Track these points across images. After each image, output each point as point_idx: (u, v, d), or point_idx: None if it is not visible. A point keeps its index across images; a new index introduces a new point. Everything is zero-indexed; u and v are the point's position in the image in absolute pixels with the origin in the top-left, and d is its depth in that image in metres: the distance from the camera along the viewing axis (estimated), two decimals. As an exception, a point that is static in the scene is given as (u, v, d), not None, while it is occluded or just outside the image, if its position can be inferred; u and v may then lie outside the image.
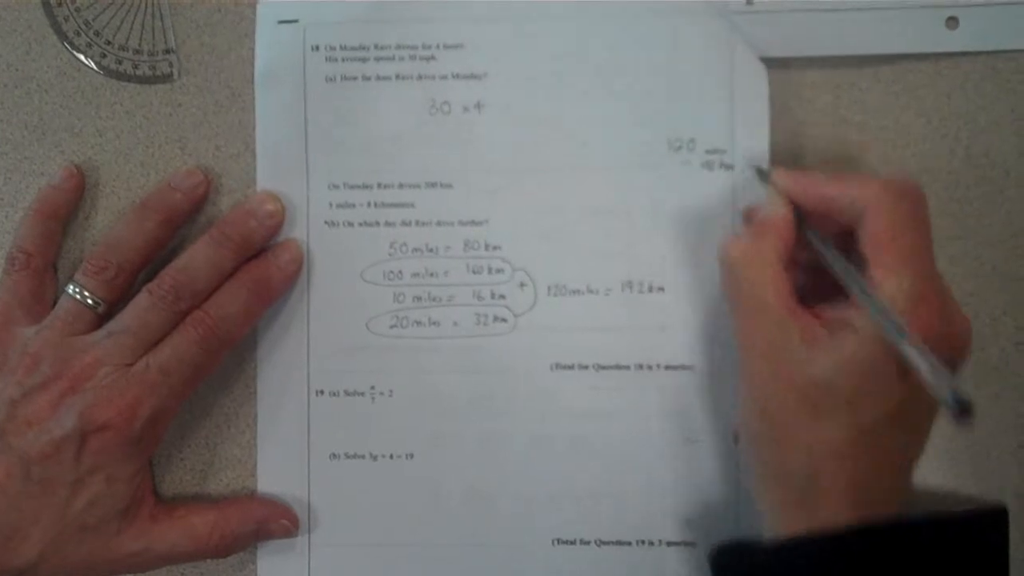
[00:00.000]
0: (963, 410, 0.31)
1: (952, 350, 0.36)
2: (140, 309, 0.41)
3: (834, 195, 0.38)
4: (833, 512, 0.36)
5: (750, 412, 0.39)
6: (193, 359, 0.41)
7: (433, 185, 0.45)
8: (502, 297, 0.45)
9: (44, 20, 0.46)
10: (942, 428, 0.44)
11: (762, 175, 0.43)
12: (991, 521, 0.38)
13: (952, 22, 0.44)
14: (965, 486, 0.45)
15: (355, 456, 0.45)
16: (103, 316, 0.42)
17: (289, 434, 0.45)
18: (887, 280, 0.36)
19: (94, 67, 0.46)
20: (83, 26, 0.46)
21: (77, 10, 0.46)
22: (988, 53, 0.44)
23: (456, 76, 0.45)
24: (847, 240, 0.38)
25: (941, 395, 0.32)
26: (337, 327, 0.45)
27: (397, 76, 0.45)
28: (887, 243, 0.36)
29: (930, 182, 0.45)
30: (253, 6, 0.45)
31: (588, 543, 0.44)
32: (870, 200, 0.37)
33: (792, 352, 0.37)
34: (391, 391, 0.45)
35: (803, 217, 0.40)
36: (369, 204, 0.45)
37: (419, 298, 0.45)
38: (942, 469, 0.44)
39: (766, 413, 0.38)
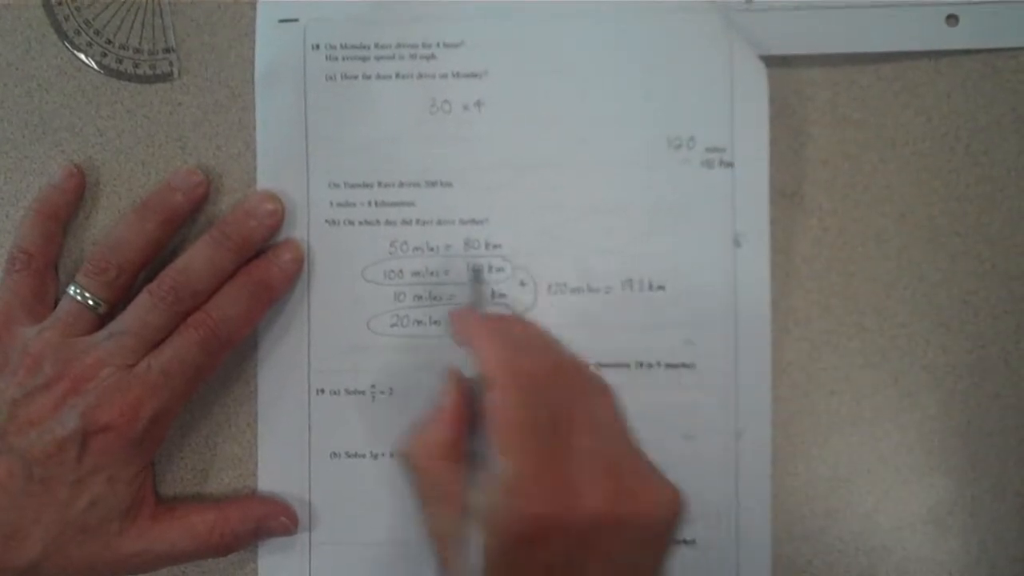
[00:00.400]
0: None
1: (572, 533, 0.34)
2: (141, 310, 0.41)
3: (472, 354, 0.37)
4: None
5: None
6: (194, 360, 0.41)
7: (433, 184, 0.45)
8: (503, 295, 0.45)
9: (44, 19, 0.46)
10: (939, 427, 0.44)
11: (477, 276, 0.44)
12: None
13: (952, 20, 0.44)
14: (966, 485, 0.45)
15: (355, 455, 0.45)
16: (104, 317, 0.42)
17: (289, 433, 0.45)
18: (492, 459, 0.35)
19: (94, 66, 0.46)
20: (83, 25, 0.46)
21: (77, 9, 0.46)
22: (988, 51, 0.44)
23: (456, 75, 0.45)
24: None
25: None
26: (338, 326, 0.45)
27: (397, 75, 0.45)
28: (492, 424, 0.35)
29: (930, 180, 0.45)
30: (253, 5, 0.45)
31: (588, 541, 0.44)
32: (487, 373, 0.36)
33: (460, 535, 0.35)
34: (391, 390, 0.45)
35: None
36: (369, 203, 0.45)
37: (420, 297, 0.45)
38: (941, 468, 0.45)
39: None
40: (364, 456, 0.45)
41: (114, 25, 0.46)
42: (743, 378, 0.44)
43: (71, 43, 0.46)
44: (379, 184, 0.45)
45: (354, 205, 0.45)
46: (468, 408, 0.38)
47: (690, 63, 0.44)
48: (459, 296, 0.45)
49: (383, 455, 0.45)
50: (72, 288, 0.42)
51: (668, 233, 0.44)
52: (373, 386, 0.45)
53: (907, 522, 0.45)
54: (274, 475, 0.45)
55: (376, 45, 0.45)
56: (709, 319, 0.44)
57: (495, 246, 0.45)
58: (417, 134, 0.45)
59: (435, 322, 0.45)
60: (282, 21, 0.45)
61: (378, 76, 0.45)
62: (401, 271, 0.45)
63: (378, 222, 0.45)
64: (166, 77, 0.46)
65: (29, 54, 0.46)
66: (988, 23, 0.44)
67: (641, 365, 0.44)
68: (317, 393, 0.45)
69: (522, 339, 0.38)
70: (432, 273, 0.45)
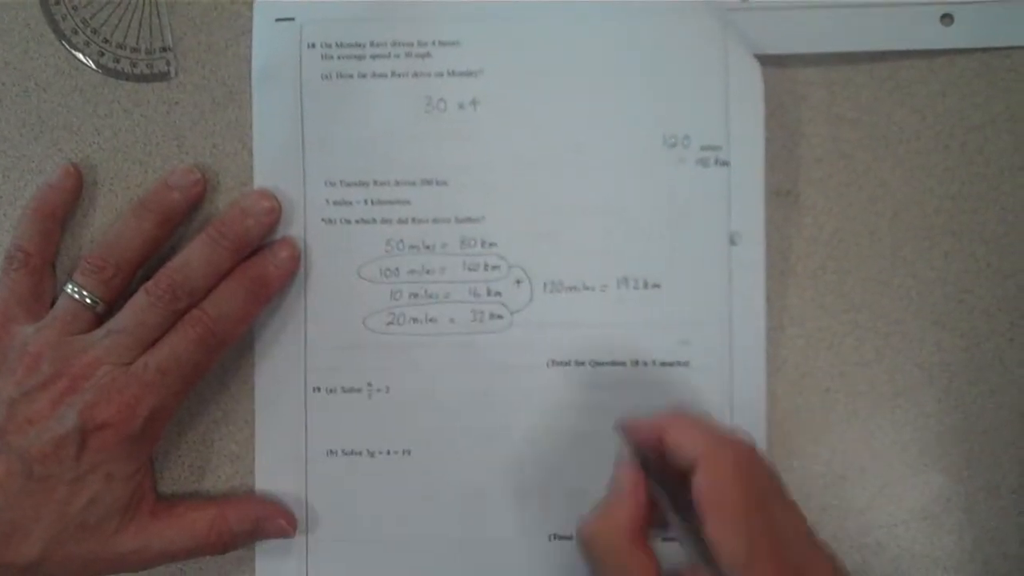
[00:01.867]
0: None
1: None
2: (138, 309, 0.41)
3: (669, 444, 0.37)
4: None
5: None
6: (191, 358, 0.41)
7: (429, 182, 0.45)
8: (498, 294, 0.45)
9: (42, 18, 0.46)
10: (933, 424, 0.44)
11: (620, 430, 0.41)
12: None
13: (947, 19, 0.44)
14: (960, 482, 0.45)
15: (352, 453, 0.45)
16: (102, 315, 0.42)
17: (287, 431, 0.45)
18: (719, 543, 0.34)
19: (92, 65, 0.46)
20: (81, 24, 0.46)
21: (75, 8, 0.46)
22: (982, 50, 0.44)
23: (452, 73, 0.45)
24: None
25: None
26: (334, 324, 0.45)
27: (393, 73, 0.45)
28: (712, 505, 0.35)
29: (924, 179, 0.45)
30: (250, 4, 0.45)
31: (584, 538, 0.45)
32: (697, 455, 0.35)
33: None
34: (388, 388, 0.45)
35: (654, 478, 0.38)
36: (365, 201, 0.45)
37: (416, 295, 0.45)
38: (935, 465, 0.45)
39: None
40: (361, 454, 0.45)
41: (111, 24, 0.46)
42: (738, 376, 0.44)
43: (68, 42, 0.46)
44: (375, 183, 0.45)
45: (350, 203, 0.45)
46: (646, 489, 0.37)
47: (685, 62, 0.44)
48: (454, 294, 0.45)
49: (380, 453, 0.45)
50: (70, 287, 0.42)
51: (663, 232, 0.44)
52: (369, 384, 0.45)
53: (902, 519, 0.45)
54: (271, 472, 0.45)
55: (372, 44, 0.45)
56: (704, 317, 0.44)
57: (491, 244, 0.45)
58: (413, 133, 0.45)
59: (431, 320, 0.45)
60: (278, 20, 0.45)
61: (374, 75, 0.45)
62: (397, 269, 0.45)
63: (374, 220, 0.45)
64: (163, 76, 0.46)
65: (27, 53, 0.46)
66: (982, 22, 0.44)
67: (636, 363, 0.44)
68: (314, 391, 0.45)
69: (715, 426, 0.37)
70: (428, 271, 0.45)
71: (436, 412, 0.45)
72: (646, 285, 0.44)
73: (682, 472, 0.36)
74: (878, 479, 0.45)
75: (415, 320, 0.45)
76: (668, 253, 0.44)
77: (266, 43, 0.45)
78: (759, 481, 0.36)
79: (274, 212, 0.44)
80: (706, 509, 0.35)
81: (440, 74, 0.45)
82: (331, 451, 0.45)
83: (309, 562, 0.45)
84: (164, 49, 0.46)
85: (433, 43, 0.45)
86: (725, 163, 0.44)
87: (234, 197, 0.45)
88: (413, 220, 0.45)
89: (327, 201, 0.45)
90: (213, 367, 0.43)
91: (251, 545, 0.45)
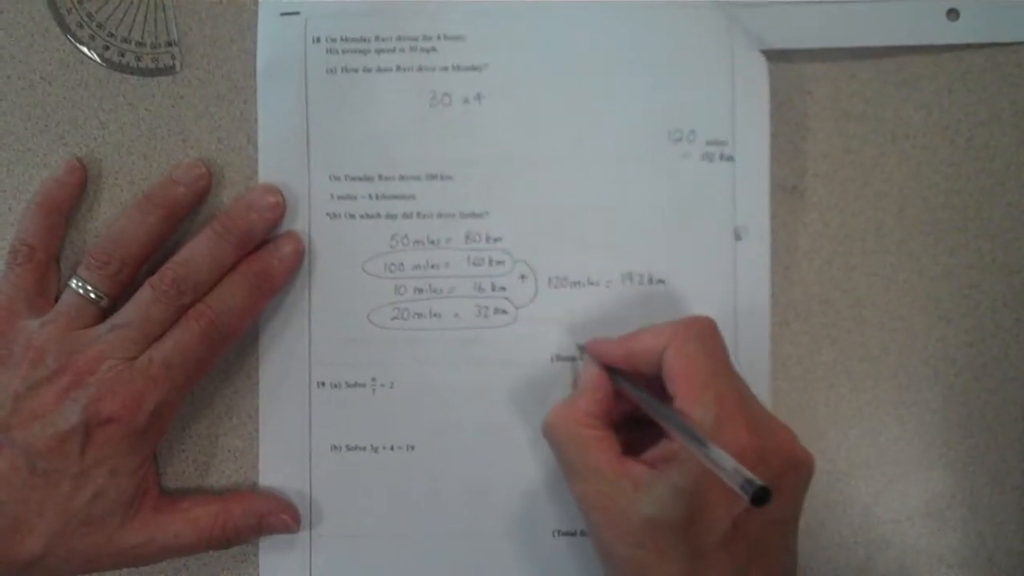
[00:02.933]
0: (758, 497, 0.30)
1: (776, 463, 0.37)
2: (142, 303, 0.41)
3: (636, 350, 0.40)
4: None
5: (603, 564, 0.40)
6: (195, 352, 0.41)
7: (433, 177, 0.45)
8: (503, 289, 0.45)
9: (47, 13, 0.46)
10: (938, 420, 0.44)
11: (581, 349, 0.44)
12: None
13: (953, 14, 0.44)
14: (965, 478, 0.45)
15: (356, 448, 0.45)
16: (106, 310, 0.42)
17: (290, 426, 0.45)
18: (690, 409, 0.37)
19: (97, 59, 0.46)
20: (86, 18, 0.46)
21: (80, 2, 0.46)
22: (989, 46, 0.44)
23: (457, 68, 0.45)
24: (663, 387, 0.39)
25: (735, 483, 0.31)
26: (338, 319, 0.45)
27: (398, 68, 0.45)
28: (682, 377, 0.38)
29: (930, 174, 0.45)
30: (255, -2, 0.46)
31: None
32: (664, 342, 0.39)
33: (625, 500, 0.37)
34: (392, 383, 0.45)
35: (620, 374, 0.41)
36: (370, 196, 0.45)
37: (420, 290, 0.45)
38: (939, 461, 0.45)
39: (614, 563, 0.38)
40: (365, 449, 0.45)
41: (116, 18, 0.46)
42: (742, 371, 0.44)
43: (74, 36, 0.46)
44: (380, 177, 0.45)
45: (355, 198, 0.45)
46: (609, 383, 0.41)
47: (691, 57, 0.44)
48: (458, 289, 0.45)
49: (384, 448, 0.45)
50: (74, 281, 0.42)
51: (668, 227, 0.44)
52: (374, 379, 0.45)
53: (906, 515, 0.45)
54: (275, 468, 0.45)
55: (377, 38, 0.45)
56: (709, 313, 0.44)
57: (495, 239, 0.45)
58: (417, 127, 0.45)
59: (435, 315, 0.45)
60: (283, 14, 0.45)
61: (379, 69, 0.45)
62: (402, 264, 0.45)
63: (379, 215, 0.45)
64: (168, 70, 0.46)
65: (32, 47, 0.46)
66: (989, 18, 0.44)
67: (641, 358, 0.44)
68: (318, 386, 0.45)
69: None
70: (433, 266, 0.45)
71: (440, 407, 0.45)
72: (651, 280, 0.44)
73: (651, 378, 0.39)
74: (883, 475, 0.45)
75: (419, 315, 0.45)
76: (673, 248, 0.44)
77: (271, 37, 0.45)
78: (722, 351, 0.39)
79: (279, 207, 0.44)
80: (676, 380, 0.38)
81: (445, 68, 0.45)
82: (335, 446, 0.45)
83: (312, 557, 0.45)
84: (169, 43, 0.46)
85: (438, 37, 0.45)
86: (730, 158, 0.44)
87: (239, 191, 0.45)
88: (418, 215, 0.45)
89: (331, 196, 0.45)
90: (217, 362, 0.43)
91: (254, 540, 0.45)
